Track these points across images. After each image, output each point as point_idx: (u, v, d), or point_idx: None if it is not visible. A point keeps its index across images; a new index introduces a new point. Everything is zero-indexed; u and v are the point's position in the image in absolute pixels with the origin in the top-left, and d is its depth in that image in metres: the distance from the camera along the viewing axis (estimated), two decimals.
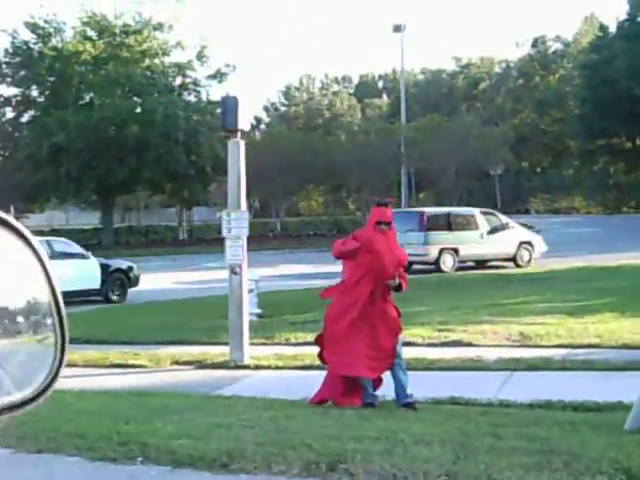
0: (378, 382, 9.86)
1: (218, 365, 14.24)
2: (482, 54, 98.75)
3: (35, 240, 1.67)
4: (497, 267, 32.37)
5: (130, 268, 27.13)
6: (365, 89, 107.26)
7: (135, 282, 27.00)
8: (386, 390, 9.95)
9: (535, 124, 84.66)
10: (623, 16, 74.33)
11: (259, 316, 19.62)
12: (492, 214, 34.75)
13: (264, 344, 15.90)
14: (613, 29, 77.13)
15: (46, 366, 1.70)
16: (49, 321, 1.71)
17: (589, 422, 8.40)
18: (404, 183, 64.19)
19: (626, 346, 14.25)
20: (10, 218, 1.64)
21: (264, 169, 50.14)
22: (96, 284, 25.60)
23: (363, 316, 9.58)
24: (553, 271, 29.47)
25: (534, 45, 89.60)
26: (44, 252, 1.69)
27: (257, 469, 6.17)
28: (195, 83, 55.56)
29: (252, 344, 14.86)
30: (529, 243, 33.43)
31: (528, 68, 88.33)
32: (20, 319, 1.66)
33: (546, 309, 19.29)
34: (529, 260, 32.96)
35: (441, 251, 31.70)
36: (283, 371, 13.54)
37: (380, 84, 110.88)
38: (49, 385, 1.69)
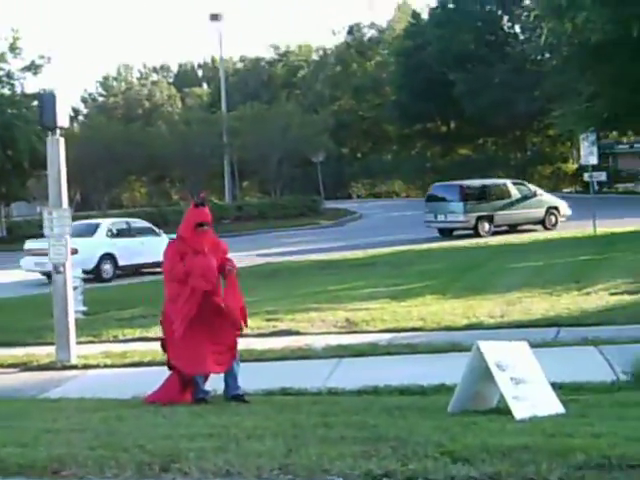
0: (205, 377, 9.88)
1: (45, 366, 13.96)
2: (300, 42, 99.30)
3: None
4: (528, 231, 35.84)
5: None
6: (185, 78, 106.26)
7: None
8: (217, 384, 9.98)
9: (354, 110, 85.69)
10: (434, 3, 76.28)
11: (85, 314, 19.35)
12: (522, 184, 38.77)
13: (92, 342, 15.71)
14: (425, 16, 78.98)
15: None
16: None
17: (415, 406, 8.66)
18: (227, 172, 64.13)
19: (448, 328, 14.76)
20: None
21: (84, 161, 49.18)
22: None
23: (200, 315, 9.55)
24: (376, 256, 30.09)
25: (350, 32, 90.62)
26: None
27: (89, 474, 6.10)
28: (9, 76, 53.67)
29: (79, 343, 14.66)
30: (556, 208, 37.08)
31: (345, 55, 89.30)
32: None
33: (371, 294, 19.73)
34: (555, 223, 36.69)
35: (478, 218, 35.56)
36: (112, 369, 13.39)
37: (200, 73, 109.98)
38: None
